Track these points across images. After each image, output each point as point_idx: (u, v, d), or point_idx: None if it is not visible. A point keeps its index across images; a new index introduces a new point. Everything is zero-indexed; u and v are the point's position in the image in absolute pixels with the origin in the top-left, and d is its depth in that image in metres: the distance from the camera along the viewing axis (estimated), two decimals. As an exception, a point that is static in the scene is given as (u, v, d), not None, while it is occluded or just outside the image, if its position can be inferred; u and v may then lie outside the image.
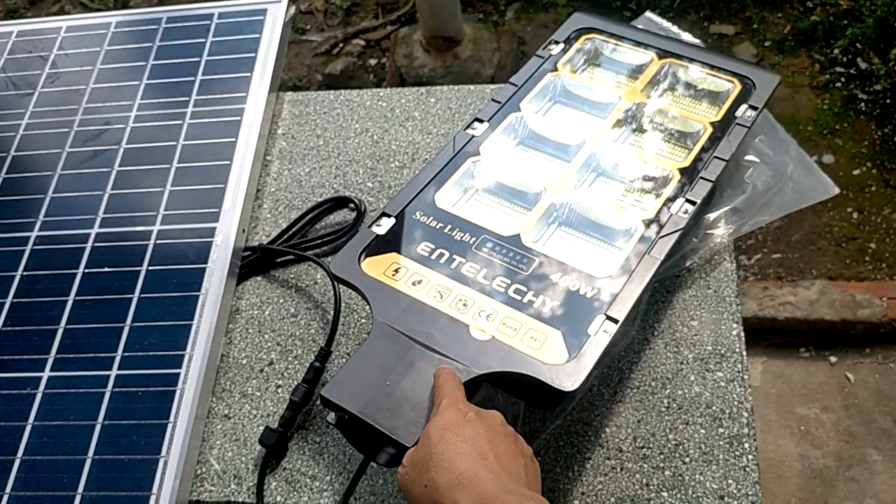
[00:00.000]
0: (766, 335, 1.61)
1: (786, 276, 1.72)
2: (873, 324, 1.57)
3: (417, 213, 0.76)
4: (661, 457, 0.72)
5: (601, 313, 0.67)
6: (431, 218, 0.76)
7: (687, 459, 0.71)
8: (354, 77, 2.09)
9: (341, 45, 2.24)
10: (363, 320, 0.83)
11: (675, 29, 1.01)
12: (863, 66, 2.05)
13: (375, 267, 0.72)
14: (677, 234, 0.73)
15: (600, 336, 0.66)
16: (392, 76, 2.07)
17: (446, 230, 0.75)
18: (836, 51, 2.08)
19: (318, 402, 0.77)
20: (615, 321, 0.67)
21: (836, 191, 0.88)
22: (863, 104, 1.99)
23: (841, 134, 1.94)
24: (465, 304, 0.69)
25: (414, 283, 0.71)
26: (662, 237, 0.73)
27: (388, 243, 0.74)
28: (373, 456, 0.64)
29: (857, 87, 2.02)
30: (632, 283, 0.69)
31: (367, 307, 0.80)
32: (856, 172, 1.87)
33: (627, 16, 2.21)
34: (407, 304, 0.69)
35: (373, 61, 2.20)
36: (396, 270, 0.72)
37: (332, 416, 0.66)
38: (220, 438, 0.77)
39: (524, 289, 0.70)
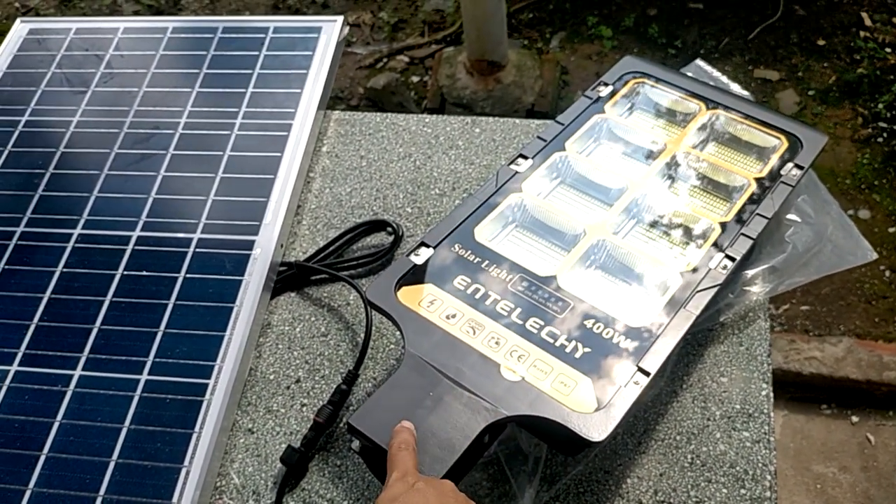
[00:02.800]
0: (789, 389, 1.60)
1: (813, 329, 1.71)
2: (899, 387, 1.55)
3: (456, 246, 0.77)
4: (681, 512, 0.71)
5: (633, 364, 0.67)
6: (469, 252, 0.76)
7: (706, 517, 0.71)
8: (396, 93, 2.10)
9: (385, 59, 2.26)
10: (392, 346, 0.83)
11: (724, 79, 1.00)
12: (906, 122, 2.03)
13: (411, 297, 0.73)
14: (715, 289, 0.73)
15: (630, 388, 0.66)
16: (433, 95, 2.08)
17: (483, 265, 0.75)
18: (881, 105, 2.07)
19: (342, 424, 0.78)
20: (647, 374, 0.67)
21: (874, 256, 0.88)
22: (904, 161, 1.97)
23: (879, 190, 1.92)
24: (497, 343, 0.69)
25: (448, 317, 0.71)
26: (700, 291, 0.73)
27: (425, 274, 0.74)
28: (394, 487, 0.64)
29: (900, 144, 2.00)
30: (666, 336, 0.69)
31: (398, 334, 0.81)
32: (891, 230, 1.85)
33: (672, 53, 2.21)
34: (439, 337, 0.69)
35: (415, 78, 2.21)
36: (431, 302, 0.72)
37: (356, 444, 0.66)
38: (241, 452, 0.77)
39: (557, 332, 0.70)
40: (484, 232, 0.78)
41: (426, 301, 0.72)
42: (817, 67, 2.19)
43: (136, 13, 2.52)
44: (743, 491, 0.72)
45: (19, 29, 1.13)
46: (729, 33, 2.27)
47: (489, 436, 0.66)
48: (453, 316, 0.71)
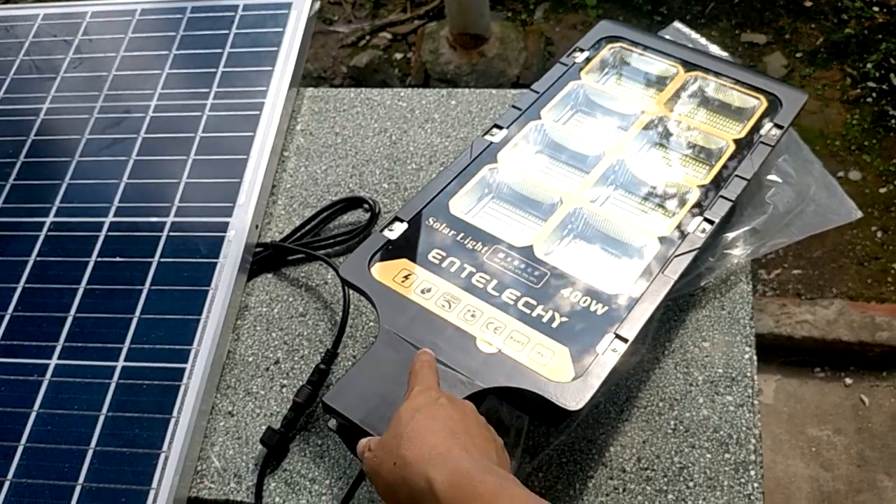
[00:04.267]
0: (781, 353, 1.59)
1: (805, 292, 1.70)
2: (892, 347, 1.54)
3: (430, 220, 0.75)
4: (665, 479, 0.71)
5: (611, 331, 0.66)
6: (444, 225, 0.75)
7: (691, 484, 0.70)
8: (380, 71, 2.08)
9: (368, 37, 2.24)
10: (371, 323, 0.82)
11: (703, 41, 0.99)
12: (896, 82, 2.02)
13: (385, 272, 0.71)
14: (693, 253, 0.72)
15: (608, 355, 0.65)
16: (417, 71, 2.06)
17: (459, 238, 0.74)
18: (869, 65, 2.05)
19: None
20: (625, 340, 0.66)
21: (859, 214, 0.86)
22: (893, 121, 1.95)
23: (869, 150, 1.91)
24: (473, 316, 0.68)
25: (423, 291, 0.70)
26: (678, 256, 0.72)
27: (400, 249, 0.73)
28: (372, 465, 0.63)
29: (889, 104, 1.98)
30: (644, 302, 0.68)
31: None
32: (882, 190, 1.84)
33: (658, 20, 2.19)
34: (414, 312, 0.68)
35: (398, 55, 2.19)
36: (406, 277, 0.71)
37: (333, 422, 0.65)
38: (221, 435, 0.77)
39: (534, 302, 0.69)
40: (459, 204, 0.77)
41: (400, 276, 0.71)
42: (804, 29, 2.16)
43: None
44: (727, 455, 0.71)
45: (-14, 17, 1.11)
46: (714, -3, 2.24)
47: (467, 409, 0.65)
48: (428, 290, 0.70)
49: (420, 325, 0.67)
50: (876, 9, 2.16)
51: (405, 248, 0.73)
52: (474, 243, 0.73)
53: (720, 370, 0.76)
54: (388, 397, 0.63)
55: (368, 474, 0.57)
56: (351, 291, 0.79)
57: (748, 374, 0.76)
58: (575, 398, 0.62)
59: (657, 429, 0.73)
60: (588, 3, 2.21)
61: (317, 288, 0.85)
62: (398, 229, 0.75)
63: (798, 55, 2.11)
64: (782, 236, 0.82)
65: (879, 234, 1.78)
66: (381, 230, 0.74)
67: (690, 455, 0.72)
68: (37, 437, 0.76)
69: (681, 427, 0.73)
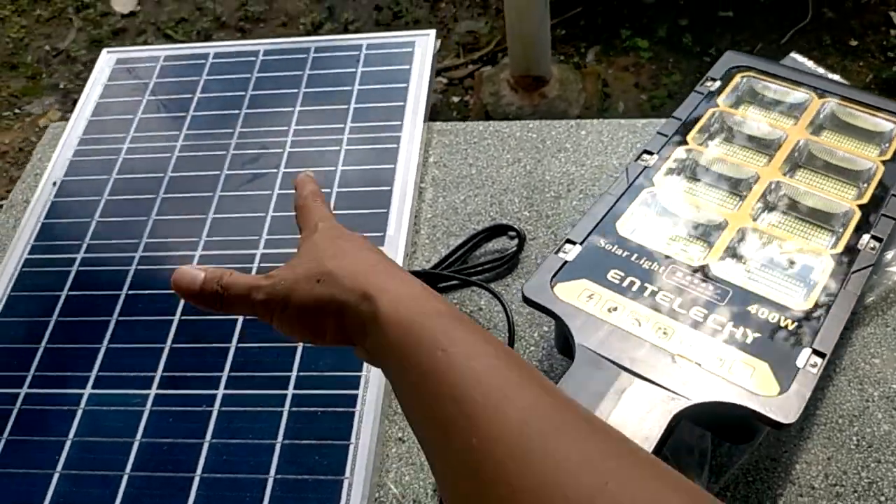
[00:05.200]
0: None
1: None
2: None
3: (602, 241, 0.76)
4: (856, 495, 0.70)
5: (806, 346, 0.67)
6: (616, 246, 0.76)
7: (882, 498, 0.70)
8: (441, 113, 2.12)
9: (424, 82, 2.28)
10: (531, 347, 0.83)
11: (821, 70, 1.01)
12: (949, 115, 2.05)
13: (568, 292, 0.72)
14: (869, 268, 0.73)
15: (809, 369, 0.65)
16: (477, 114, 2.09)
17: (633, 258, 0.75)
18: (921, 100, 2.08)
19: (496, 428, 0.77)
20: (822, 355, 0.66)
21: None
22: (951, 153, 1.98)
23: (930, 182, 1.93)
24: (665, 333, 0.69)
25: (609, 310, 0.71)
26: (855, 272, 0.72)
27: (577, 270, 0.74)
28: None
29: (945, 137, 2.01)
30: (833, 317, 0.69)
31: (535, 335, 0.81)
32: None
33: (707, 61, 2.23)
34: (607, 330, 0.69)
35: (455, 98, 2.22)
36: (590, 297, 0.72)
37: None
38: (395, 462, 0.76)
39: (723, 319, 0.69)
40: (626, 226, 0.78)
41: (584, 296, 0.72)
42: (853, 67, 2.21)
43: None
44: (914, 471, 0.71)
45: (107, 59, 1.13)
46: (761, 38, 2.29)
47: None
48: (615, 309, 0.71)
49: (616, 343, 0.68)
50: (922, 46, 2.21)
51: (583, 269, 0.74)
52: (649, 263, 0.74)
53: (894, 386, 0.76)
54: (599, 414, 0.64)
55: (270, 308, 0.46)
56: (516, 315, 0.80)
57: (921, 390, 0.76)
58: (787, 412, 0.63)
59: (840, 445, 0.73)
60: (640, 45, 2.25)
61: (471, 314, 0.86)
62: (572, 251, 0.75)
63: (849, 92, 2.15)
64: (935, 255, 0.83)
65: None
66: (556, 252, 0.75)
67: (878, 470, 0.72)
68: (212, 468, 0.75)
69: (863, 443, 0.73)
